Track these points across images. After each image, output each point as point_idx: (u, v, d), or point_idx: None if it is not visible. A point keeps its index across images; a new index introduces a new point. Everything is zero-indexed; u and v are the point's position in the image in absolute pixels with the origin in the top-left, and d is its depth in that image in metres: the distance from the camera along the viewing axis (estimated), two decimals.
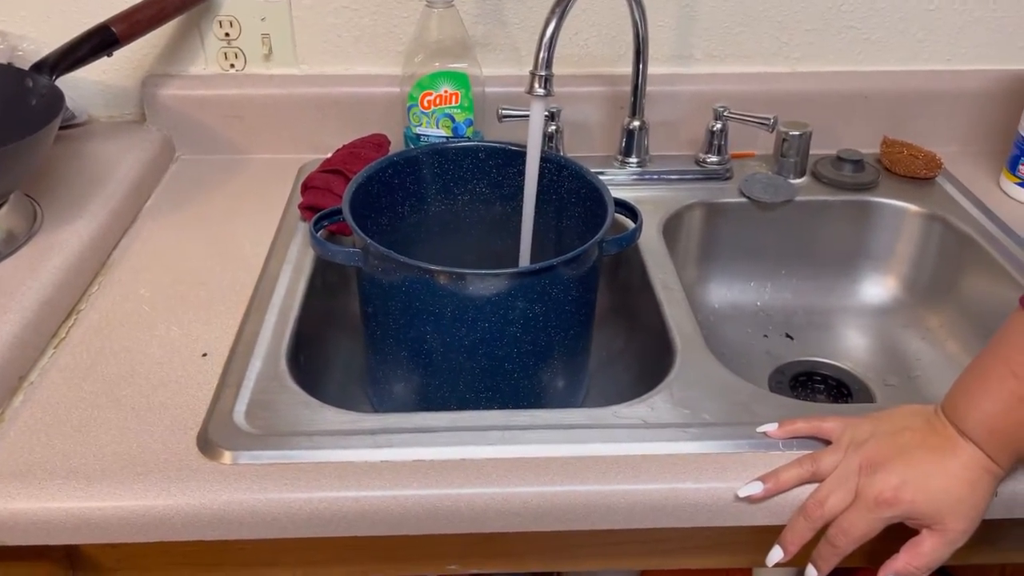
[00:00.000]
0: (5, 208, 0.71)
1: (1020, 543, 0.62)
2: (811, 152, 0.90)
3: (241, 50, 0.92)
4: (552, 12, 0.69)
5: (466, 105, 0.85)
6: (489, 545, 0.61)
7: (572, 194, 0.76)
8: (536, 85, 0.69)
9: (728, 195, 0.88)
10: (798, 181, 0.90)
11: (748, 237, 0.89)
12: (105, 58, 0.81)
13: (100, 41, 0.78)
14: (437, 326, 0.64)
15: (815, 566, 0.54)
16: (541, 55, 0.69)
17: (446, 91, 0.84)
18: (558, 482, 0.55)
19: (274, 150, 0.94)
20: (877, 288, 0.90)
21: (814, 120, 0.92)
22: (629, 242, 0.70)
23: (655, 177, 0.90)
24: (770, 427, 0.58)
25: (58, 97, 0.72)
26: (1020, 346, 0.50)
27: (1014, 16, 0.94)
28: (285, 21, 0.91)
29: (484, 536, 0.59)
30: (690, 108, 0.94)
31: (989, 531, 0.53)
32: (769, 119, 0.85)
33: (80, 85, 0.91)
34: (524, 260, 0.77)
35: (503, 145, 0.78)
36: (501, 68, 0.94)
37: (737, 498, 0.55)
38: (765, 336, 0.88)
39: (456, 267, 0.61)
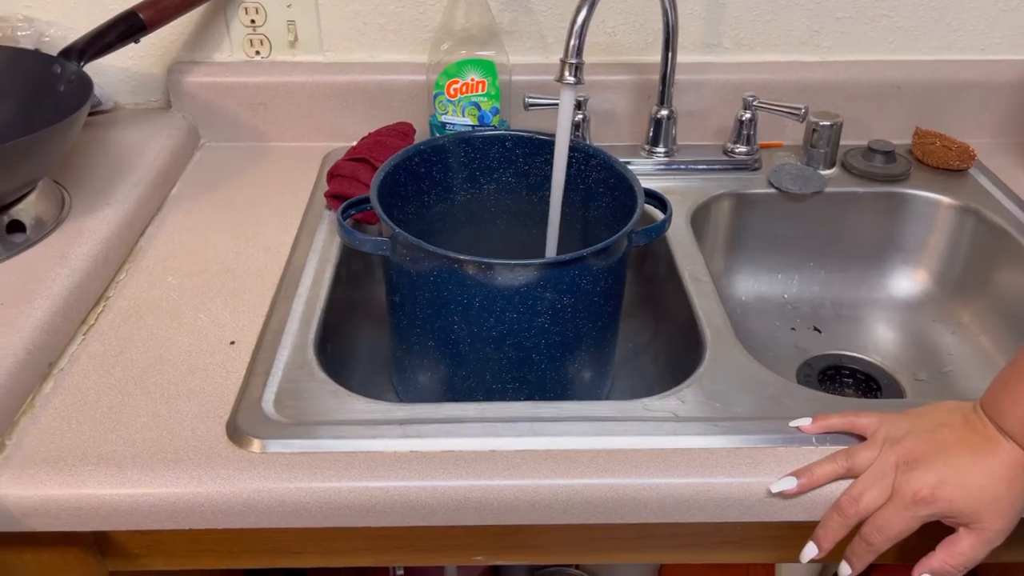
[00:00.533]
0: (34, 195, 0.71)
1: None
2: (841, 143, 0.89)
3: (266, 37, 0.92)
4: (583, 0, 0.68)
5: (492, 93, 0.85)
6: (515, 537, 0.61)
7: (600, 184, 0.76)
8: (566, 73, 0.68)
9: (757, 186, 0.87)
10: (828, 172, 0.89)
11: (776, 228, 0.88)
12: (131, 45, 0.81)
13: (128, 27, 0.78)
14: (465, 316, 0.64)
15: (849, 563, 0.53)
16: (572, 43, 0.68)
17: (473, 79, 0.84)
18: (588, 475, 0.54)
19: (298, 138, 0.94)
20: (907, 281, 0.89)
21: (844, 110, 0.91)
22: (659, 233, 0.69)
23: (682, 167, 0.89)
24: (803, 422, 0.57)
25: (87, 84, 0.72)
26: None
27: None
28: (311, 8, 0.90)
29: (511, 528, 0.59)
30: (718, 97, 0.92)
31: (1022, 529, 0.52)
32: (800, 109, 0.83)
33: (106, 72, 0.91)
34: (551, 250, 0.76)
35: (530, 134, 0.77)
36: (528, 56, 0.93)
37: (770, 493, 0.54)
38: (792, 329, 0.87)
39: (482, 257, 0.60)
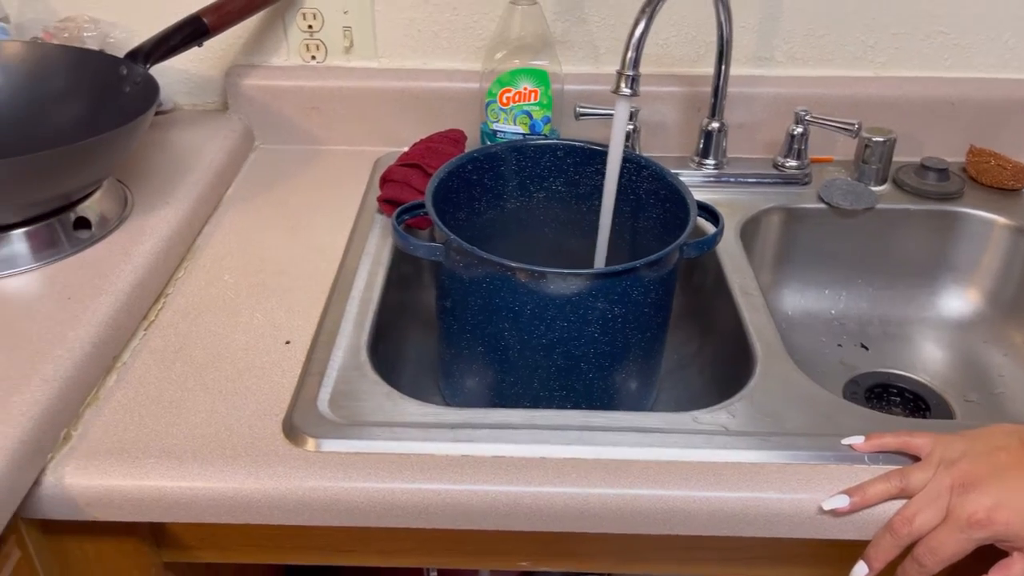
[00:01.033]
0: (99, 192, 0.73)
1: None
2: (893, 159, 0.88)
3: (323, 42, 0.93)
4: (642, 12, 0.68)
5: (545, 103, 0.85)
6: (561, 544, 0.61)
7: (651, 195, 0.76)
8: (622, 85, 0.69)
9: (807, 200, 0.87)
10: (879, 188, 0.88)
11: (825, 244, 0.88)
12: (194, 48, 0.82)
13: (192, 31, 0.80)
14: (515, 323, 0.64)
15: None
16: (629, 55, 0.68)
17: (526, 88, 0.84)
18: (639, 485, 0.55)
19: (350, 142, 0.96)
20: (958, 301, 0.88)
21: (897, 126, 0.90)
22: (710, 246, 0.69)
23: (731, 180, 0.89)
24: (856, 440, 0.57)
25: (153, 86, 0.74)
26: None
27: None
28: (367, 14, 0.92)
29: (558, 535, 0.60)
30: (768, 111, 0.92)
31: None
32: (853, 124, 0.83)
33: (166, 73, 0.94)
34: (600, 260, 0.77)
35: (582, 143, 0.78)
36: (579, 66, 0.93)
37: (821, 510, 0.54)
38: (839, 345, 0.86)
39: (529, 264, 0.61)
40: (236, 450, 0.56)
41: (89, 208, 0.72)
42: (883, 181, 0.89)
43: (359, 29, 0.92)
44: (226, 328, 0.67)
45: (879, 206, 0.86)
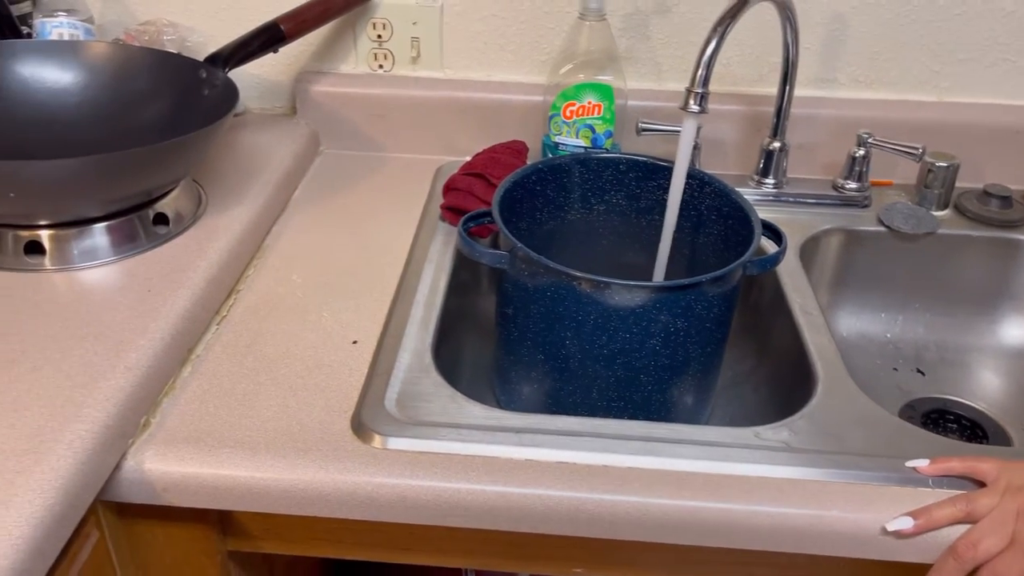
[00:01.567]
0: (176, 191, 0.76)
1: None
2: (955, 185, 0.88)
3: (391, 51, 0.96)
4: (714, 31, 0.69)
5: (608, 117, 0.87)
6: (616, 552, 0.62)
7: (713, 211, 0.77)
8: (691, 102, 0.70)
9: (866, 223, 0.87)
10: (940, 213, 0.88)
11: (883, 267, 0.88)
12: (268, 54, 0.85)
13: (269, 37, 0.83)
14: (578, 333, 0.65)
15: None
16: (699, 72, 0.69)
17: (590, 102, 0.86)
18: (700, 498, 0.55)
19: (412, 150, 0.98)
20: (1018, 329, 0.87)
21: (959, 152, 0.90)
22: (773, 264, 0.70)
23: (790, 199, 0.90)
24: (921, 463, 0.57)
25: (233, 90, 0.76)
26: None
27: None
28: (435, 26, 0.94)
29: (613, 543, 0.60)
30: (829, 132, 0.93)
31: None
32: (917, 149, 0.83)
33: (238, 78, 0.94)
34: (659, 274, 0.77)
35: (645, 158, 0.79)
36: (641, 82, 0.95)
37: (885, 531, 0.54)
38: (895, 369, 0.86)
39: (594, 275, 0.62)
40: (307, 444, 0.58)
41: (167, 205, 0.74)
42: (944, 206, 0.88)
43: (427, 40, 0.95)
44: (295, 326, 0.69)
45: (940, 231, 0.86)
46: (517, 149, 0.89)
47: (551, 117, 0.88)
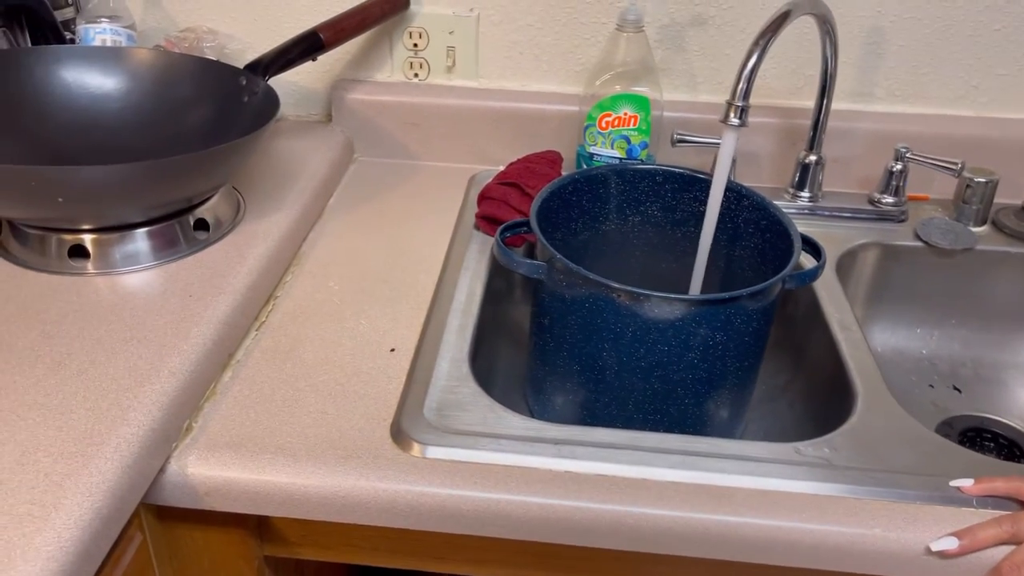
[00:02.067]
0: (216, 197, 0.77)
1: None
2: (993, 201, 0.87)
3: (426, 60, 0.96)
4: (755, 44, 0.69)
5: (643, 128, 0.87)
6: (652, 565, 0.62)
7: (750, 224, 0.76)
8: (732, 115, 0.70)
9: (903, 238, 0.86)
10: (978, 229, 0.87)
11: (920, 282, 0.87)
12: (308, 62, 0.86)
13: (308, 46, 0.84)
14: (615, 344, 0.65)
15: None
16: (740, 86, 0.69)
17: (626, 113, 0.86)
18: (742, 513, 0.55)
19: (446, 158, 0.98)
20: None
21: (997, 167, 0.89)
22: (812, 278, 0.70)
23: (826, 213, 0.89)
24: (965, 482, 0.56)
25: (273, 98, 0.77)
26: None
27: None
28: (471, 35, 0.94)
29: (649, 556, 0.60)
30: (865, 146, 0.92)
31: None
32: (956, 164, 0.82)
33: (275, 85, 0.97)
34: (696, 286, 0.77)
35: (682, 170, 0.79)
36: (676, 94, 0.95)
37: (929, 551, 0.53)
38: (931, 386, 0.85)
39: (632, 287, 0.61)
40: (347, 451, 0.58)
41: (207, 211, 0.75)
42: (983, 222, 0.88)
43: (462, 49, 0.95)
44: (333, 333, 0.70)
45: (978, 247, 0.85)
46: (551, 159, 0.90)
47: (586, 128, 0.88)
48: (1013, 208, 0.89)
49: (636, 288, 0.62)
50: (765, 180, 0.95)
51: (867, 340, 0.72)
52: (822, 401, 0.73)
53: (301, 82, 0.99)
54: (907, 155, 0.86)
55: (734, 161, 0.89)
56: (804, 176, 0.89)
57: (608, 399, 0.69)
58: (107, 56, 0.84)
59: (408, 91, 0.97)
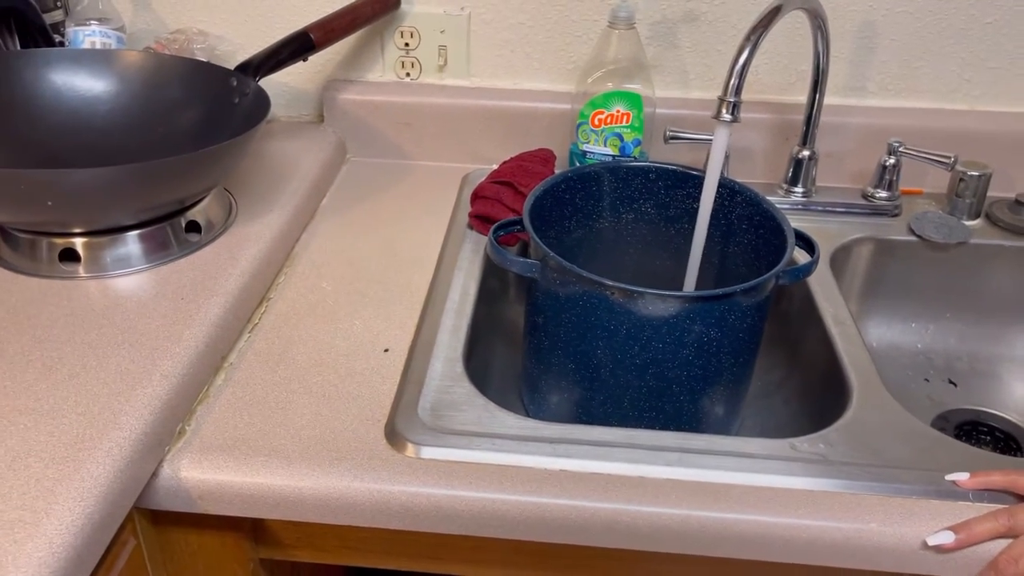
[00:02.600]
0: (208, 199, 0.76)
1: None
2: (987, 194, 0.87)
3: (418, 60, 0.96)
4: (747, 39, 0.69)
5: (636, 125, 0.86)
6: (650, 563, 0.61)
7: (743, 220, 0.76)
8: (724, 111, 0.69)
9: (897, 232, 0.86)
10: (972, 223, 0.87)
11: (914, 276, 0.87)
12: (299, 62, 0.86)
13: (299, 46, 0.83)
14: (610, 342, 0.65)
15: None
16: (732, 82, 0.69)
17: (618, 111, 0.86)
18: (738, 510, 0.55)
19: (439, 158, 0.98)
20: None
21: (990, 160, 0.89)
22: (806, 274, 0.70)
23: (819, 208, 0.89)
24: (961, 476, 0.56)
25: (264, 99, 0.77)
26: None
27: None
28: (463, 35, 0.94)
29: (647, 554, 0.60)
30: (858, 141, 0.92)
31: None
32: (949, 157, 0.82)
33: (266, 86, 0.96)
34: (690, 283, 0.77)
35: (675, 167, 0.78)
36: (668, 90, 0.94)
37: (925, 546, 0.53)
38: (926, 380, 0.85)
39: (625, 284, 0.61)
40: (341, 453, 0.58)
41: (199, 213, 0.75)
42: (976, 216, 0.87)
43: (454, 49, 0.95)
44: (326, 334, 0.69)
45: (972, 241, 0.85)
46: (544, 157, 0.89)
47: (579, 125, 0.88)
48: (1007, 201, 0.89)
49: (630, 285, 0.62)
50: (758, 176, 0.94)
51: (862, 335, 0.71)
52: (817, 397, 0.73)
53: (292, 83, 0.99)
54: (900, 149, 0.86)
55: (727, 157, 0.89)
56: (797, 171, 0.89)
57: (603, 397, 0.69)
58: (97, 59, 0.83)
59: (400, 91, 0.97)
